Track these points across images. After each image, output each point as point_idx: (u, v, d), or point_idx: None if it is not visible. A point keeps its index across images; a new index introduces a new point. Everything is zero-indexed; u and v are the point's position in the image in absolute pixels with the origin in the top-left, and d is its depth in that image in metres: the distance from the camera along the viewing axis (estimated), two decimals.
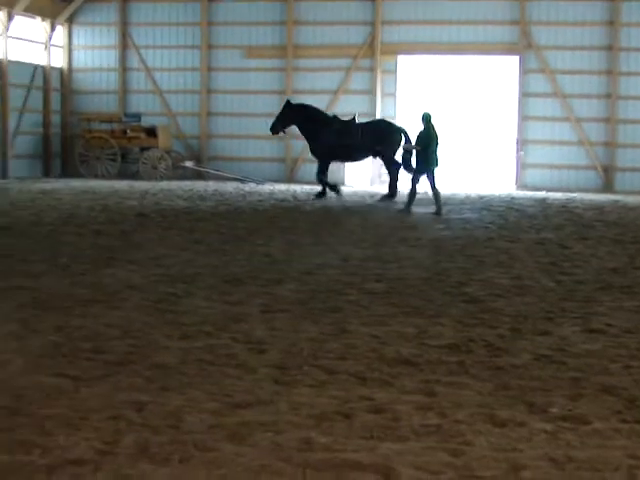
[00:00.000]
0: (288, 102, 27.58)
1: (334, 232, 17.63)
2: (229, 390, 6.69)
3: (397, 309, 10.00)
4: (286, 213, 21.48)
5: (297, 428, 5.89)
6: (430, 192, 22.22)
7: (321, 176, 26.34)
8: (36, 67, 35.48)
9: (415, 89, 35.47)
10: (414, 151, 22.59)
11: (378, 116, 34.47)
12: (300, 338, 8.48)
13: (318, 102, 34.78)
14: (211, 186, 30.79)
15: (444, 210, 21.76)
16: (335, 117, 27.26)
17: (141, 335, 8.45)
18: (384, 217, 20.86)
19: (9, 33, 33.08)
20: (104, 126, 35.38)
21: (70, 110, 37.26)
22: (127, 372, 7.15)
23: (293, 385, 6.90)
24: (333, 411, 6.24)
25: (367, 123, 27.39)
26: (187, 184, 31.74)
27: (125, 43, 36.83)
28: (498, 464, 5.33)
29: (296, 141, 34.94)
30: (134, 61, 36.87)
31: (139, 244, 15.30)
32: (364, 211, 22.41)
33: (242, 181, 32.84)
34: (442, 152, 22.65)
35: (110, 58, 37.10)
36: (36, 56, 35.56)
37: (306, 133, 26.91)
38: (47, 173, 36.04)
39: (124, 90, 36.99)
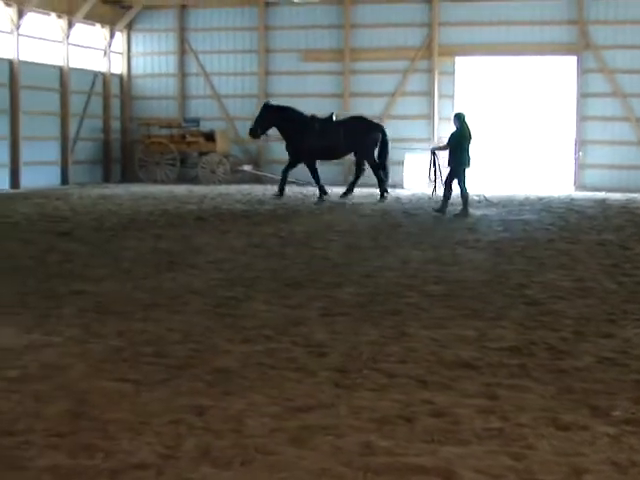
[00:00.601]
0: (266, 104, 27.74)
1: (392, 235, 17.59)
2: (290, 394, 6.70)
3: (456, 312, 9.95)
4: (344, 216, 21.47)
5: (358, 432, 5.88)
6: (459, 192, 22.09)
7: (286, 173, 26.98)
8: (96, 74, 35.83)
9: (473, 90, 35.29)
10: (439, 152, 22.85)
11: (436, 119, 34.38)
12: (360, 341, 8.47)
13: (375, 105, 34.90)
14: (269, 190, 30.84)
15: (504, 211, 21.64)
16: (314, 117, 27.27)
17: (202, 339, 8.49)
18: (442, 219, 20.75)
19: (69, 40, 33.45)
20: (163, 131, 35.63)
21: (130, 116, 37.59)
22: (188, 376, 7.18)
23: (354, 389, 6.89)
24: (394, 415, 6.22)
25: (346, 121, 27.58)
26: (245, 188, 31.87)
27: (183, 49, 37.07)
28: (560, 468, 5.28)
29: None
30: (192, 66, 37.09)
31: (199, 248, 15.39)
32: (422, 213, 22.32)
33: (299, 185, 32.87)
34: (475, 152, 22.58)
35: (169, 64, 37.37)
36: (96, 63, 35.92)
37: (286, 134, 27.01)
38: (107, 178, 36.37)
39: (183, 95, 37.23)
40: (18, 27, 30.50)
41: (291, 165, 27.13)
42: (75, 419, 6.08)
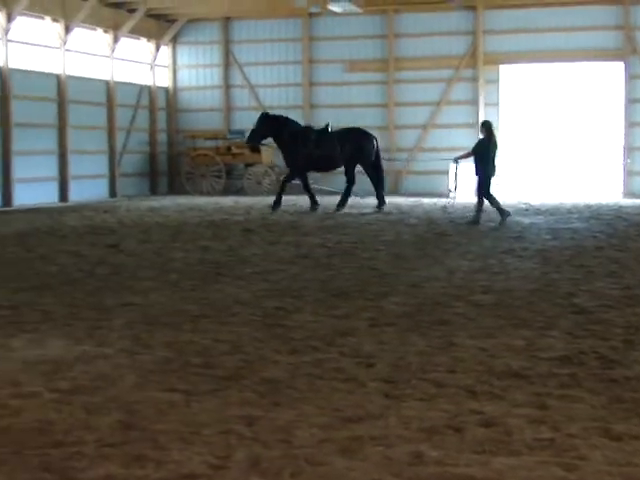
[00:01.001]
0: (263, 114, 27.86)
1: (439, 244, 17.54)
2: (339, 404, 6.70)
3: (505, 321, 9.90)
4: (390, 226, 21.45)
5: (407, 442, 5.87)
6: (475, 198, 21.98)
7: (287, 183, 27.02)
8: (142, 87, 36.13)
9: (518, 98, 35.14)
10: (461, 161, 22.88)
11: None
12: (408, 351, 8.45)
13: (420, 114, 34.88)
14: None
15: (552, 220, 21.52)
16: (309, 127, 27.84)
17: (250, 350, 8.52)
18: (490, 228, 20.67)
19: (115, 55, 33.76)
20: (209, 143, 35.83)
21: (175, 128, 37.85)
22: (237, 387, 7.21)
23: (402, 399, 6.88)
24: (443, 425, 6.20)
25: (342, 132, 27.44)
26: (291, 199, 31.90)
27: (228, 61, 37.28)
28: (613, 478, 5.23)
29: (398, 154, 34.99)
30: (237, 78, 37.28)
31: (246, 259, 15.44)
32: (469, 222, 22.23)
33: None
34: (500, 161, 22.51)
35: (214, 76, 37.59)
36: (142, 76, 36.21)
37: (283, 144, 27.15)
38: (154, 191, 36.64)
39: (228, 107, 37.43)
40: (65, 42, 30.81)
41: (293, 177, 27.24)
42: (126, 430, 6.12)
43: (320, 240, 18.29)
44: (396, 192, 34.76)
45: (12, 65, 28.66)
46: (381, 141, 34.99)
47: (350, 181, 26.87)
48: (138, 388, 7.19)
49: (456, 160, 23.40)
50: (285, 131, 26.86)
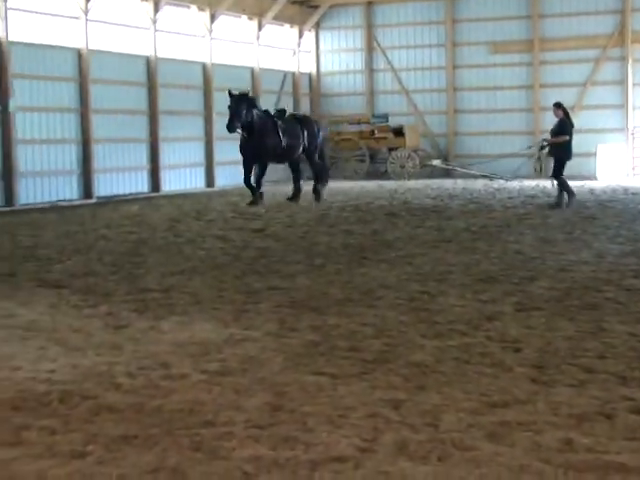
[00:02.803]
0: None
1: (587, 228, 17.20)
2: (486, 389, 6.64)
3: None
4: (536, 209, 21.14)
5: (557, 428, 5.78)
6: (555, 182, 21.40)
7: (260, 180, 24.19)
8: (286, 73, 36.43)
9: None
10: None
11: (629, 108, 33.48)
12: (556, 336, 8.32)
13: (566, 95, 34.15)
14: (459, 184, 30.69)
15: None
16: (267, 112, 24.96)
17: (396, 334, 8.52)
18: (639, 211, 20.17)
19: (260, 41, 34.12)
20: (352, 128, 35.91)
21: (319, 113, 38.04)
22: (383, 370, 7.21)
23: (551, 384, 6.78)
24: (594, 411, 6.08)
25: (300, 119, 25.85)
26: (435, 182, 31.79)
27: (371, 45, 37.27)
28: None
29: (544, 135, 34.39)
30: (380, 62, 37.26)
31: (390, 243, 15.44)
32: (617, 205, 21.75)
33: (490, 178, 32.56)
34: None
35: (357, 60, 37.65)
36: (285, 62, 36.51)
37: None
38: None
39: (371, 91, 37.45)
40: (210, 31, 31.30)
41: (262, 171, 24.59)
42: (274, 411, 6.20)
43: (464, 224, 18.15)
44: (541, 175, 34.18)
45: (160, 54, 29.25)
46: (527, 123, 34.65)
47: (298, 172, 25.47)
48: (285, 371, 7.27)
49: (542, 146, 22.76)
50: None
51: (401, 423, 5.91)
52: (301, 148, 24.93)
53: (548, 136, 22.14)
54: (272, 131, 23.81)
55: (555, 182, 21.34)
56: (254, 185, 23.85)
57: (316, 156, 25.48)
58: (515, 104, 35.23)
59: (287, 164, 25.78)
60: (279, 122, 24.18)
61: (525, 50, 35.22)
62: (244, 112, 23.08)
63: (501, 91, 35.36)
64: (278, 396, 6.55)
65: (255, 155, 23.71)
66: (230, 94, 23.31)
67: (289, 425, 5.90)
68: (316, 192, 25.11)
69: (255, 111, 23.59)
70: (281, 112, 25.20)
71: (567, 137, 21.10)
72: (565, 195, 21.15)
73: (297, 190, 24.95)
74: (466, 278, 11.68)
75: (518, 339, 8.23)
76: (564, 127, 21.16)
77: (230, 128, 23.18)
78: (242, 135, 23.60)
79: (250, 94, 24.17)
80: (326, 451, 5.40)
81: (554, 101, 22.24)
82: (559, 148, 21.13)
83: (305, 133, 24.86)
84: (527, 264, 12.85)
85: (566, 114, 21.33)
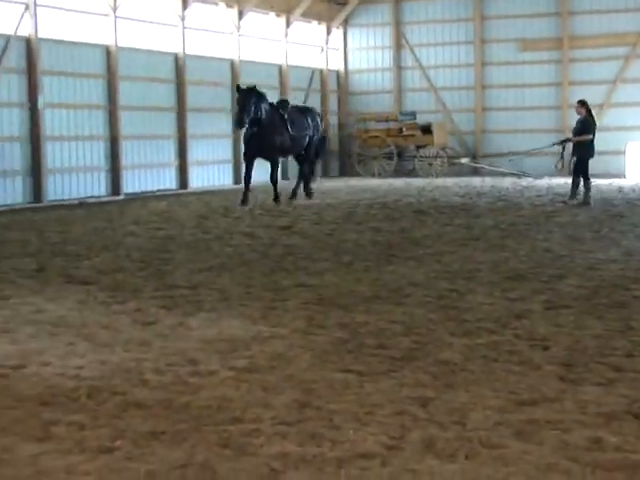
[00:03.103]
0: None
1: (615, 226, 17.12)
2: (514, 387, 6.63)
3: None
4: (564, 207, 21.05)
5: (585, 427, 5.75)
6: (580, 179, 21.22)
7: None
8: (314, 70, 36.44)
9: None
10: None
11: None
12: (584, 334, 8.29)
13: (595, 93, 34.01)
14: (487, 182, 30.61)
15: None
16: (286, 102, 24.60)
17: (424, 331, 8.51)
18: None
19: (288, 38, 34.14)
20: (380, 125, 35.87)
21: (347, 111, 38.05)
22: (411, 368, 7.21)
23: (579, 383, 6.75)
24: (622, 410, 6.05)
25: (303, 110, 25.13)
26: (463, 180, 31.71)
27: (399, 42, 37.21)
28: None
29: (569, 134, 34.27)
30: (408, 59, 37.20)
31: (418, 240, 15.42)
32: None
33: (519, 176, 32.45)
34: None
35: (385, 58, 37.61)
36: (313, 60, 36.52)
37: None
38: (326, 173, 36.94)
39: (399, 89, 37.40)
40: (238, 28, 31.34)
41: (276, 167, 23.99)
42: (301, 408, 6.20)
43: (492, 222, 18.11)
44: (569, 173, 34.04)
45: (188, 51, 29.32)
46: (555, 121, 34.50)
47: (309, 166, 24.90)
48: (313, 368, 7.27)
49: (563, 142, 22.60)
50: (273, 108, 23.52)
51: (429, 421, 5.90)
52: (307, 140, 24.21)
53: (570, 135, 22.04)
54: (280, 126, 23.07)
55: (582, 181, 21.22)
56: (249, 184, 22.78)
57: (314, 150, 24.63)
58: (544, 102, 35.09)
59: (294, 157, 25.09)
60: (285, 115, 23.37)
61: (554, 47, 35.07)
62: (253, 107, 22.14)
63: (530, 89, 35.23)
64: (305, 393, 6.56)
65: (262, 151, 22.83)
66: (238, 89, 22.66)
67: (316, 422, 5.90)
68: (308, 188, 24.47)
69: (264, 105, 22.60)
70: (284, 102, 24.30)
71: (590, 136, 20.96)
72: (584, 193, 21.04)
73: (297, 187, 24.38)
74: (495, 276, 11.65)
75: (546, 337, 8.20)
76: (587, 126, 21.01)
77: (239, 124, 22.49)
78: (248, 129, 22.55)
79: (257, 88, 22.89)
80: (353, 448, 5.41)
81: (579, 99, 22.12)
82: (582, 147, 21.01)
83: (311, 125, 24.20)
84: (556, 262, 12.80)
85: (589, 112, 21.18)
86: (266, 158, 23.25)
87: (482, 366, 7.23)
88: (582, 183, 21.16)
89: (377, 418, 5.98)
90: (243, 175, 23.37)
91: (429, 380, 6.87)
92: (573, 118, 32.67)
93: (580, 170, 21.13)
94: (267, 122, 22.52)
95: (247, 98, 22.14)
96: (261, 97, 22.60)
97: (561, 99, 34.86)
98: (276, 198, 23.00)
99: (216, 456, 5.32)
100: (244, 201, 22.34)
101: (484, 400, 6.32)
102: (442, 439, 5.55)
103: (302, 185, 24.50)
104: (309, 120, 24.24)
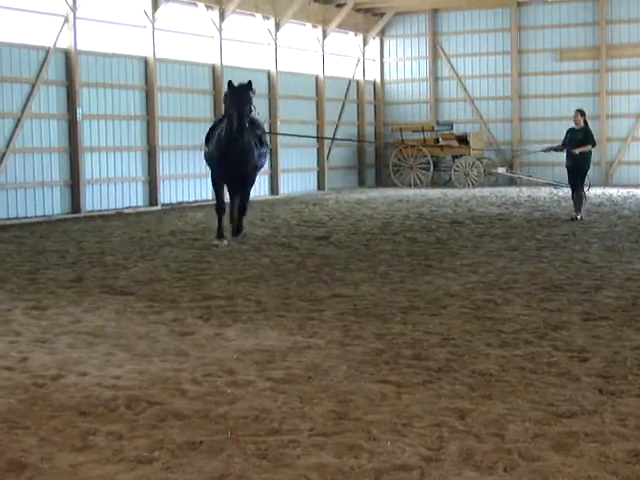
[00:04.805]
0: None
1: None
2: (552, 399, 6.59)
3: None
4: (602, 218, 20.92)
5: (624, 439, 5.71)
6: (579, 191, 20.40)
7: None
8: (350, 81, 36.47)
9: None
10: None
11: None
12: (623, 346, 8.23)
13: (633, 103, 33.80)
14: (524, 192, 30.49)
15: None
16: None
17: (461, 342, 8.49)
18: None
19: (324, 49, 34.20)
20: (416, 135, 35.81)
21: (383, 121, 38.03)
22: (448, 379, 7.19)
23: (618, 395, 6.71)
24: None
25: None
26: (500, 190, 31.61)
27: (435, 52, 37.17)
28: None
29: (609, 144, 34.13)
30: (445, 70, 37.13)
31: (454, 251, 15.38)
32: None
33: (555, 186, 32.28)
34: None
35: (421, 68, 37.57)
36: (350, 70, 36.54)
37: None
38: (362, 183, 36.95)
39: (435, 99, 37.34)
40: (276, 39, 31.43)
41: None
42: (339, 419, 6.20)
43: (529, 232, 18.02)
44: (607, 183, 33.86)
45: (225, 62, 29.43)
46: (593, 131, 34.27)
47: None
48: (350, 379, 7.27)
49: (550, 149, 22.14)
50: None
51: (466, 432, 5.88)
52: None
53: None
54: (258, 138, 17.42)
55: (586, 190, 20.85)
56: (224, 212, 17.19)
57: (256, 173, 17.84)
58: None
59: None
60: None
61: (591, 57, 34.87)
62: (249, 109, 16.53)
63: (567, 98, 35.04)
64: (342, 404, 6.55)
65: (239, 165, 16.80)
66: (230, 85, 16.73)
67: (353, 433, 5.90)
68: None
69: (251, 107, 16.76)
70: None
71: (590, 147, 20.36)
72: (579, 206, 20.47)
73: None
74: (532, 287, 11.60)
75: (585, 349, 8.15)
76: (590, 135, 20.52)
77: (240, 130, 16.33)
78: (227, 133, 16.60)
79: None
80: (390, 460, 5.40)
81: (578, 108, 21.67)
82: (584, 158, 20.32)
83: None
84: (593, 273, 12.72)
85: (586, 123, 20.66)
86: (237, 176, 17.24)
87: (520, 377, 7.20)
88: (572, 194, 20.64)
89: (414, 429, 5.96)
90: (217, 200, 17.49)
91: (466, 391, 6.84)
92: (612, 128, 32.61)
93: (581, 181, 20.45)
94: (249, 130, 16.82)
95: (244, 97, 16.35)
96: (250, 96, 16.60)
97: (599, 109, 34.65)
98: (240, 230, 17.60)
99: (253, 467, 5.33)
100: (220, 235, 16.98)
101: (522, 412, 6.29)
102: (480, 451, 5.53)
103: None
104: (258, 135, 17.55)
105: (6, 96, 22.53)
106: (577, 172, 20.36)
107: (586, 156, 20.39)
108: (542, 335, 8.74)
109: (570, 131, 20.76)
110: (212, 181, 17.73)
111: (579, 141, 20.35)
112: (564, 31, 35.10)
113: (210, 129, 17.84)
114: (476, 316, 9.75)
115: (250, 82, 16.68)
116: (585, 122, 20.57)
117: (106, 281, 12.64)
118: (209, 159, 17.49)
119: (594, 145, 20.70)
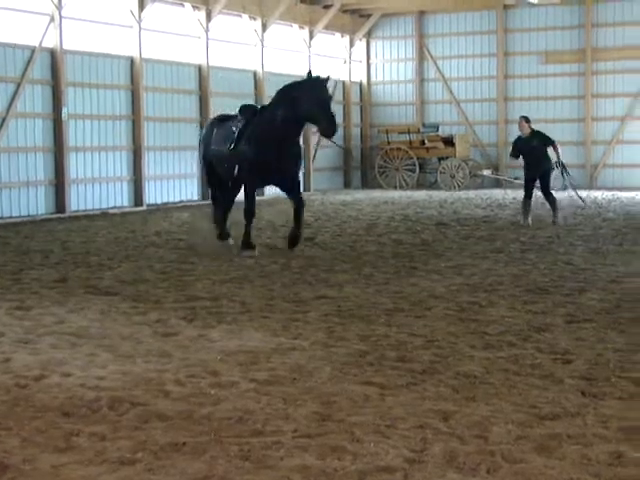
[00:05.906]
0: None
1: (638, 239, 17.04)
2: (535, 401, 6.61)
3: None
4: (587, 220, 20.98)
5: (607, 442, 5.73)
6: (546, 196, 20.23)
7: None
8: (336, 82, 36.44)
9: None
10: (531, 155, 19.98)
11: None
12: (606, 348, 8.25)
13: (618, 106, 33.90)
14: (509, 194, 30.53)
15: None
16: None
17: (445, 344, 8.49)
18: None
19: (311, 50, 34.19)
20: (402, 137, 35.84)
21: (369, 123, 38.06)
22: (432, 381, 7.20)
23: (600, 397, 6.72)
24: None
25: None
26: (485, 193, 31.66)
27: (422, 54, 37.20)
28: None
29: (594, 147, 34.23)
30: (431, 72, 37.17)
31: (439, 253, 15.40)
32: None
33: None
34: None
35: (407, 70, 37.60)
36: (336, 71, 36.52)
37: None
38: (347, 185, 36.94)
39: (421, 101, 37.37)
40: (262, 40, 31.41)
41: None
42: (322, 421, 6.20)
43: (514, 234, 18.06)
44: (592, 186, 33.95)
45: (212, 63, 29.39)
46: (578, 133, 34.41)
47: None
48: (334, 380, 7.27)
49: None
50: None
51: (450, 434, 5.89)
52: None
53: (559, 149, 20.43)
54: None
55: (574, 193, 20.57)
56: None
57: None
58: (566, 114, 34.96)
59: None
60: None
61: (577, 60, 34.94)
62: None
63: (552, 101, 35.13)
64: (326, 406, 6.55)
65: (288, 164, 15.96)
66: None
67: (337, 435, 5.90)
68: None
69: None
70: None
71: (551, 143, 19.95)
72: (553, 209, 20.26)
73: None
74: (516, 289, 11.62)
75: (568, 351, 8.17)
76: (546, 137, 19.94)
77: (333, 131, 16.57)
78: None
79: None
80: (374, 461, 5.40)
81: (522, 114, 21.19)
82: (548, 160, 20.00)
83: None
84: (577, 275, 12.75)
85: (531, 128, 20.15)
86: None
87: (503, 379, 7.21)
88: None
89: (398, 431, 5.97)
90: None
91: (450, 393, 6.85)
92: (598, 131, 32.67)
93: (548, 185, 20.10)
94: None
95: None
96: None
97: (584, 111, 34.74)
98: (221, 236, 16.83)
99: (236, 468, 5.32)
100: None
101: (505, 414, 6.30)
102: (463, 453, 5.54)
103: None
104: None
105: None
106: (545, 176, 19.95)
107: (546, 157, 19.91)
108: (526, 337, 8.76)
109: (521, 141, 19.99)
110: (246, 183, 16.21)
111: (539, 147, 19.68)
112: (550, 34, 35.17)
113: (240, 130, 16.03)
114: (460, 318, 9.77)
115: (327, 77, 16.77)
116: (531, 127, 20.00)
117: (90, 281, 12.62)
118: (243, 160, 15.70)
119: (554, 141, 20.28)
